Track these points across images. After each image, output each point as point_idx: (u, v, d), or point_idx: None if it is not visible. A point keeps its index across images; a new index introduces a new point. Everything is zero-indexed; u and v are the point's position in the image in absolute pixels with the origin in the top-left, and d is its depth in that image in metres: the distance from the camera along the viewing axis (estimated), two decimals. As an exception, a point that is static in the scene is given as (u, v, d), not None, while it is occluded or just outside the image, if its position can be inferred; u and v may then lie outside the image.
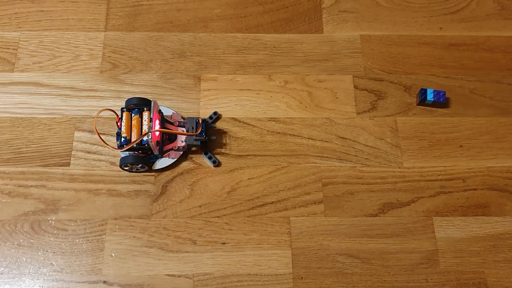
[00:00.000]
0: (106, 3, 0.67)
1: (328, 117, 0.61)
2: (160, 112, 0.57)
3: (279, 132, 0.60)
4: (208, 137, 0.57)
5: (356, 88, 0.63)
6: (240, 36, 0.66)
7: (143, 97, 0.56)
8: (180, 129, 0.58)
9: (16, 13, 0.66)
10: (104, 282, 0.53)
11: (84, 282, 0.53)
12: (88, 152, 0.58)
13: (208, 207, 0.56)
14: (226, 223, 0.56)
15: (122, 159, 0.55)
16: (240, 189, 0.57)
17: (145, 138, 0.53)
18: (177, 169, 0.58)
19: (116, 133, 0.56)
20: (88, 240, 0.54)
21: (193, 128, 0.57)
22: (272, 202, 0.57)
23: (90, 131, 0.59)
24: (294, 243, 0.55)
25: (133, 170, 0.57)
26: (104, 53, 0.64)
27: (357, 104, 0.62)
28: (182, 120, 0.59)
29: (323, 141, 0.60)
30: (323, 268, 0.54)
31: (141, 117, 0.55)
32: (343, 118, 0.61)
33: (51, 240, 0.54)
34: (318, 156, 0.59)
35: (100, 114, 0.59)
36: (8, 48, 0.64)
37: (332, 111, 0.62)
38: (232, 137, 0.60)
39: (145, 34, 0.65)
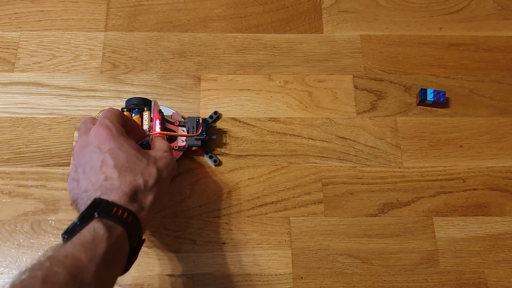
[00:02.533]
0: (106, 3, 0.67)
1: (328, 117, 0.61)
2: (160, 112, 0.57)
3: (279, 132, 0.60)
4: (208, 136, 0.57)
5: (356, 88, 0.63)
6: (240, 36, 0.66)
7: (143, 97, 0.57)
8: (180, 129, 0.58)
9: (16, 13, 0.66)
10: (104, 282, 0.53)
11: (84, 282, 0.53)
12: (88, 152, 0.58)
13: (208, 207, 0.56)
14: (226, 223, 0.56)
15: None
16: (240, 189, 0.57)
17: (144, 140, 0.53)
18: (177, 169, 0.58)
19: None
20: (88, 240, 0.54)
21: (193, 128, 0.57)
22: (272, 202, 0.57)
23: (90, 131, 0.59)
24: (294, 243, 0.55)
25: None
26: (104, 53, 0.64)
27: (357, 104, 0.62)
28: (183, 119, 0.59)
29: (323, 141, 0.60)
30: (323, 268, 0.54)
31: (142, 117, 0.55)
32: (343, 118, 0.61)
33: (51, 240, 0.54)
34: (318, 156, 0.59)
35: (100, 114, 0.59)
36: (8, 48, 0.64)
37: (332, 111, 0.62)
38: (232, 137, 0.60)
39: (145, 34, 0.65)
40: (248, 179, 0.58)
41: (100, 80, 0.62)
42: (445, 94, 0.61)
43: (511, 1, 0.69)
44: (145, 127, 0.54)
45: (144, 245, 0.54)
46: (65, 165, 0.57)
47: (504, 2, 0.69)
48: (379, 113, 0.62)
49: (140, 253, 0.54)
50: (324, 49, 0.65)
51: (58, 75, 0.62)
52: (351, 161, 0.59)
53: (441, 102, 0.61)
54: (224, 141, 0.60)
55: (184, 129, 0.58)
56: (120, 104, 0.60)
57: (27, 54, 0.63)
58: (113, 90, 0.62)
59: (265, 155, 0.59)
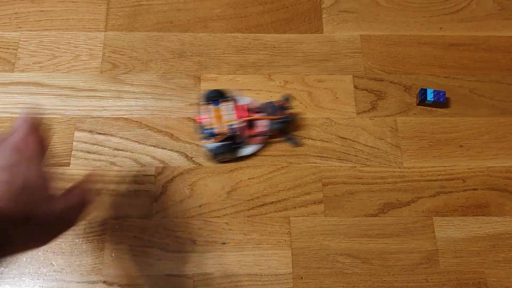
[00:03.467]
0: (106, 3, 0.67)
1: (328, 117, 0.61)
2: (236, 100, 0.58)
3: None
4: (288, 118, 0.58)
5: (356, 88, 0.63)
6: (240, 36, 0.66)
7: (219, 89, 0.59)
8: (259, 116, 0.59)
9: (16, 13, 0.66)
10: (104, 282, 0.53)
11: (84, 282, 0.53)
12: (88, 152, 0.58)
13: (208, 207, 0.56)
14: (226, 223, 0.56)
15: (213, 149, 0.57)
16: (240, 189, 0.57)
17: (233, 127, 0.55)
18: (177, 169, 0.58)
19: (198, 127, 0.58)
20: (88, 240, 0.54)
21: (271, 113, 0.58)
22: (272, 202, 0.57)
23: (90, 131, 0.59)
24: (294, 243, 0.55)
25: (220, 160, 0.58)
26: (104, 53, 0.64)
27: (357, 104, 0.62)
28: (260, 106, 0.59)
29: (323, 141, 0.60)
30: (323, 268, 0.54)
31: (221, 109, 0.57)
32: (343, 118, 0.61)
33: (51, 240, 0.54)
34: (318, 156, 0.59)
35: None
36: (8, 48, 0.64)
37: (332, 111, 0.62)
38: (232, 137, 0.60)
39: (145, 34, 0.65)
40: (248, 179, 0.58)
41: (100, 80, 0.62)
42: (445, 94, 0.61)
43: (511, 1, 0.69)
44: (226, 117, 0.56)
45: (144, 245, 0.54)
46: (65, 165, 0.57)
47: (504, 2, 0.69)
48: (379, 113, 0.62)
49: (140, 253, 0.54)
50: (324, 49, 0.65)
51: (58, 75, 0.62)
52: (351, 161, 0.59)
53: (441, 102, 0.61)
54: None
55: (262, 115, 0.59)
56: (120, 104, 0.60)
57: (27, 54, 0.63)
58: (113, 90, 0.62)
59: (265, 155, 0.59)
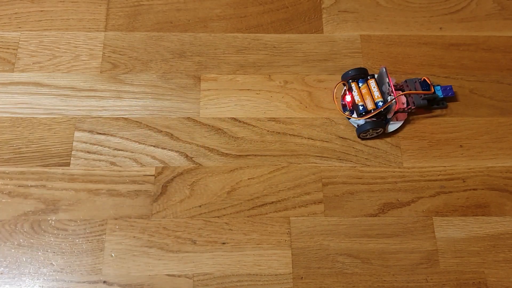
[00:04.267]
0: (106, 3, 0.67)
1: (328, 117, 0.61)
2: (381, 77, 0.59)
3: (279, 132, 0.60)
4: (435, 95, 0.60)
5: (356, 88, 0.63)
6: (240, 36, 0.66)
7: (361, 67, 0.60)
8: (399, 93, 0.60)
9: (16, 13, 0.66)
10: (104, 282, 0.53)
11: (84, 282, 0.53)
12: (88, 152, 0.58)
13: (208, 207, 0.56)
14: (226, 223, 0.56)
15: (361, 127, 0.58)
16: (240, 189, 0.57)
17: (382, 104, 0.57)
18: (177, 169, 0.58)
19: (342, 105, 0.61)
20: (88, 240, 0.54)
21: (415, 89, 0.60)
22: (272, 202, 0.57)
23: (90, 131, 0.59)
24: (294, 243, 0.55)
25: (368, 137, 0.60)
26: (104, 53, 0.64)
27: (357, 104, 0.62)
28: (400, 84, 0.61)
29: (323, 141, 0.60)
30: (323, 268, 0.54)
31: (369, 86, 0.58)
32: (343, 118, 0.61)
33: (51, 240, 0.54)
34: (318, 156, 0.59)
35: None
36: (8, 48, 0.64)
37: (332, 111, 0.62)
38: (232, 137, 0.60)
39: (145, 34, 0.65)
40: (248, 179, 0.58)
41: (100, 80, 0.62)
42: (452, 88, 0.62)
43: (511, 1, 0.69)
44: (376, 93, 0.58)
45: (144, 245, 0.54)
46: (65, 165, 0.57)
47: (504, 2, 0.69)
48: (379, 113, 0.62)
49: (140, 253, 0.54)
50: (324, 49, 0.65)
51: (58, 75, 0.62)
52: (351, 161, 0.59)
53: (450, 96, 0.62)
54: (224, 141, 0.60)
55: (400, 92, 0.60)
56: (120, 104, 0.60)
57: (27, 54, 0.63)
58: (113, 90, 0.62)
59: (265, 155, 0.59)
